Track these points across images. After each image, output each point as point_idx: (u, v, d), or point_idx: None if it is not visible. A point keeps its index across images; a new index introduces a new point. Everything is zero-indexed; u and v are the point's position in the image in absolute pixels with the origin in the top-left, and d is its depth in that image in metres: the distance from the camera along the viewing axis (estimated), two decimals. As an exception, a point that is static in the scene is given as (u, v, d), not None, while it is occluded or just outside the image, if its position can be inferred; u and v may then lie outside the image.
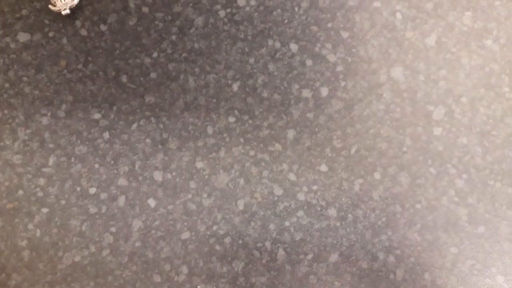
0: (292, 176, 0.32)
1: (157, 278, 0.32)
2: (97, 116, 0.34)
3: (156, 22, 0.35)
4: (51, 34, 0.35)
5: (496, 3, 0.35)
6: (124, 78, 0.34)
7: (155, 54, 0.34)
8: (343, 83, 0.34)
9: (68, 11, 0.34)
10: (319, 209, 0.32)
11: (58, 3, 0.34)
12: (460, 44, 0.34)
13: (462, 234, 0.32)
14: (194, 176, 0.32)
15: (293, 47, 0.34)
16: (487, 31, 0.34)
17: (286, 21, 0.35)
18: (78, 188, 0.32)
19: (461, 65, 0.34)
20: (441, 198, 0.33)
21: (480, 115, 0.34)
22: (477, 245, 0.32)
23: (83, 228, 0.32)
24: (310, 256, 0.32)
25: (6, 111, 0.34)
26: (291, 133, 0.33)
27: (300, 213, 0.32)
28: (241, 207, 0.32)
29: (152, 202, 0.33)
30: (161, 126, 0.33)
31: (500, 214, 0.32)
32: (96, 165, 0.32)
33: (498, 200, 0.33)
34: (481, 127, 0.33)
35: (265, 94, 0.34)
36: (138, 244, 0.32)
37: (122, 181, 0.32)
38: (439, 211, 0.33)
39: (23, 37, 0.35)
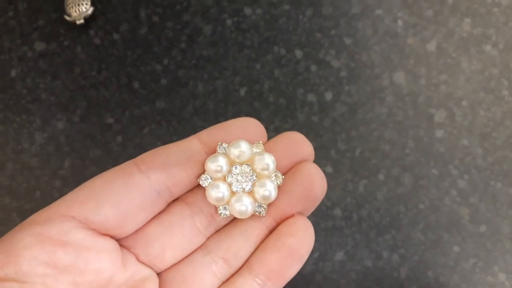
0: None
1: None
2: (110, 120, 0.34)
3: (166, 31, 0.36)
4: (66, 43, 0.36)
5: (494, 10, 0.35)
6: (136, 84, 0.35)
7: (165, 61, 0.35)
8: (346, 88, 0.34)
9: (82, 21, 0.35)
10: (324, 209, 0.33)
11: (73, 14, 0.35)
12: (460, 49, 0.35)
13: (464, 233, 0.33)
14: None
15: (298, 53, 0.35)
16: (486, 37, 0.35)
17: (291, 28, 0.35)
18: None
19: (461, 69, 0.34)
20: (443, 198, 0.33)
21: (480, 118, 0.34)
22: (479, 244, 0.32)
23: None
24: (316, 255, 0.32)
25: (24, 116, 0.35)
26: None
27: (306, 213, 0.33)
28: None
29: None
30: (172, 130, 0.34)
31: (502, 213, 0.33)
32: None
33: (499, 200, 0.33)
34: (482, 129, 0.34)
35: (271, 99, 0.34)
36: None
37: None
38: (442, 211, 0.33)
39: (39, 46, 0.36)
